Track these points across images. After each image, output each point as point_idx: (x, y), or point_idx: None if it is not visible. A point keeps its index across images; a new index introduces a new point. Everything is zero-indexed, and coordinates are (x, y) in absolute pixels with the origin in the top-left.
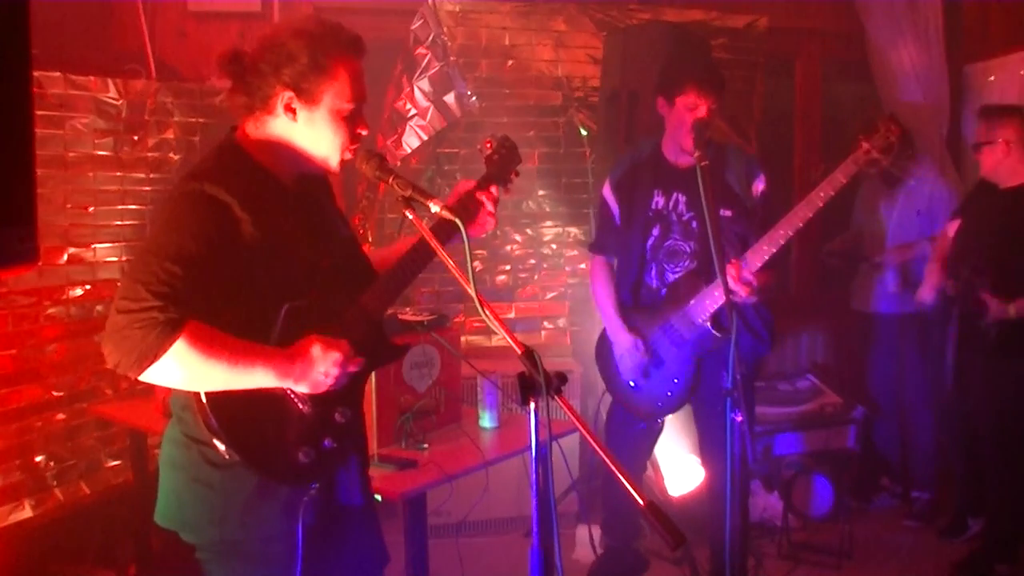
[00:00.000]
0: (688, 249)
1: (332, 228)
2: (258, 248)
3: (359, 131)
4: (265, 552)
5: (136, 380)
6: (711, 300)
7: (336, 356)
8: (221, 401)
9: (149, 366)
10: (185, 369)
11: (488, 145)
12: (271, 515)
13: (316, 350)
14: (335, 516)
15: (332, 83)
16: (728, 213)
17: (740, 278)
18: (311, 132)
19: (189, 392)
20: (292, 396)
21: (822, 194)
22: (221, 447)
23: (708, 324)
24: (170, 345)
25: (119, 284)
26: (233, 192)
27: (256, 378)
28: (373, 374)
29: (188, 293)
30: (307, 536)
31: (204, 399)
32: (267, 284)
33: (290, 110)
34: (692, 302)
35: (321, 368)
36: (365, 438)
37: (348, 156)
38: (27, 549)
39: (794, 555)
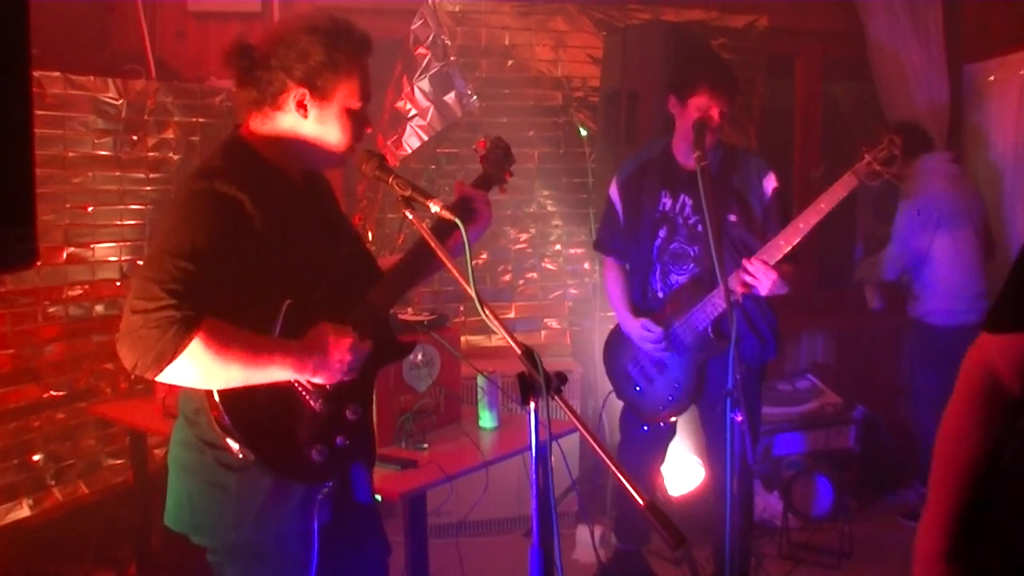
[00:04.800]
0: (692, 253)
1: (340, 224)
2: (271, 243)
3: (365, 129)
4: (280, 553)
5: (135, 380)
6: (712, 307)
7: (348, 342)
8: (234, 400)
9: (167, 365)
10: (203, 367)
11: (481, 146)
12: (286, 516)
13: (329, 340)
14: (350, 514)
15: (346, 81)
16: (733, 218)
17: (761, 269)
18: (321, 129)
19: (202, 393)
20: (304, 394)
21: (822, 206)
22: (235, 446)
23: (710, 331)
24: (187, 344)
25: (132, 285)
26: (243, 188)
27: (274, 372)
28: None
29: (202, 290)
30: (322, 535)
31: (217, 398)
32: (281, 279)
33: (302, 107)
34: (695, 308)
35: (336, 356)
36: (373, 436)
37: (351, 153)
38: (26, 548)
39: (794, 555)
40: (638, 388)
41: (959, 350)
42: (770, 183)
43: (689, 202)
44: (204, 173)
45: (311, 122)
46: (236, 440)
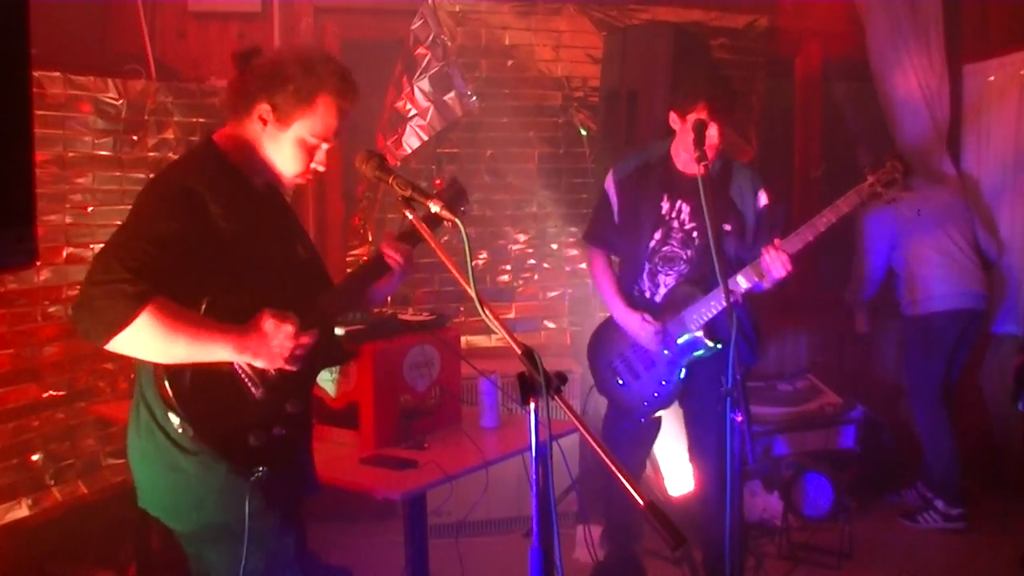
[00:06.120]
0: (685, 256)
1: (297, 232)
2: (229, 241)
3: (315, 166)
4: (252, 529)
5: (135, 380)
6: (707, 309)
7: (288, 329)
8: (179, 377)
9: (117, 335)
10: (150, 340)
11: (438, 183)
12: (245, 493)
13: (269, 324)
14: (296, 504)
15: (306, 115)
16: (728, 228)
17: (782, 258)
18: (273, 146)
19: (154, 375)
20: (245, 380)
21: (824, 219)
22: (176, 420)
23: (701, 333)
24: (137, 316)
25: (93, 261)
26: (206, 185)
27: (217, 352)
28: (372, 374)
29: (158, 271)
30: (288, 516)
31: (165, 374)
32: (236, 277)
33: (262, 120)
34: (688, 310)
35: (275, 341)
36: (311, 432)
37: (300, 182)
38: (25, 548)
39: (794, 555)
40: (620, 382)
41: (953, 335)
42: (762, 199)
43: (687, 208)
44: (171, 169)
45: (266, 137)
46: (178, 416)
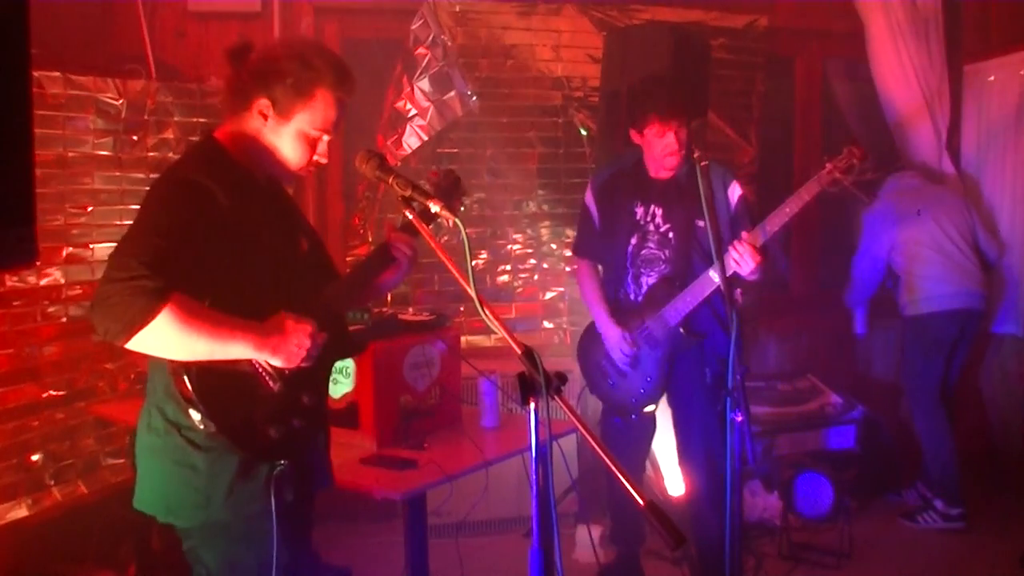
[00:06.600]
0: (663, 256)
1: (301, 225)
2: (238, 235)
3: (318, 158)
4: (249, 531)
5: (134, 379)
6: (684, 304)
7: (307, 328)
8: (199, 374)
9: (137, 332)
10: (170, 337)
11: (433, 175)
12: (253, 494)
13: (288, 324)
14: (308, 498)
15: (306, 108)
16: (701, 224)
17: (748, 251)
18: (275, 139)
19: (169, 371)
20: (263, 374)
21: (787, 210)
22: (197, 417)
23: (680, 327)
24: (158, 313)
25: (109, 259)
26: (215, 180)
27: (237, 349)
28: (372, 374)
29: (175, 267)
30: (286, 514)
31: (183, 370)
32: (243, 271)
33: (262, 115)
34: (667, 306)
35: (294, 340)
36: (328, 424)
37: (303, 175)
38: (25, 548)
39: (794, 555)
40: (611, 382)
41: (952, 335)
42: (735, 191)
43: (659, 211)
44: (179, 166)
45: (267, 130)
46: (199, 411)
